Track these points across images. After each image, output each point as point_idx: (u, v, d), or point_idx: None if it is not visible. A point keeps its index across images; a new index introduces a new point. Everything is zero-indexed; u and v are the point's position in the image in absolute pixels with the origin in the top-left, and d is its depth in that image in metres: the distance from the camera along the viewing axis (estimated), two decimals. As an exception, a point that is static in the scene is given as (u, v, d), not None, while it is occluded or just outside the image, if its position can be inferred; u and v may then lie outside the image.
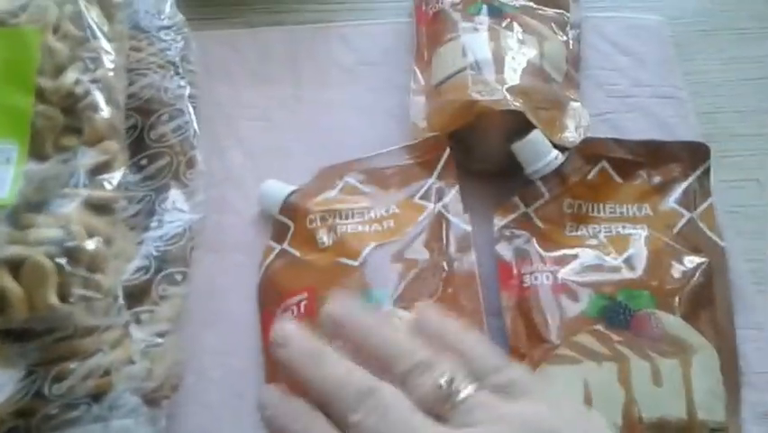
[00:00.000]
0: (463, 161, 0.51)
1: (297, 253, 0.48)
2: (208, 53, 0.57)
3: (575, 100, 0.55)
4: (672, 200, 0.49)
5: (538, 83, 0.53)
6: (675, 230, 0.48)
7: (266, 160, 0.55)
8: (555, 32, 0.57)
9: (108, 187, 0.40)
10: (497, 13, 0.56)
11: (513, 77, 0.52)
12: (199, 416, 0.45)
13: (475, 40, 0.54)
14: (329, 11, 0.64)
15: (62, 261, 0.36)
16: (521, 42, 0.54)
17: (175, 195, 0.45)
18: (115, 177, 0.41)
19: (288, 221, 0.49)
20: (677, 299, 0.44)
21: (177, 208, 0.44)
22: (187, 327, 0.46)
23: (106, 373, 0.38)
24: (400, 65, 0.59)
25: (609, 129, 0.55)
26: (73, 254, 0.37)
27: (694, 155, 0.50)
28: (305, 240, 0.48)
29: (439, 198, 0.49)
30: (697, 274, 0.46)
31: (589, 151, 0.50)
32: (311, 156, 0.54)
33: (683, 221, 0.48)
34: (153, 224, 0.43)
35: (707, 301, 0.45)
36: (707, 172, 0.50)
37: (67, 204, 0.38)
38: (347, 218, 0.48)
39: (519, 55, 0.54)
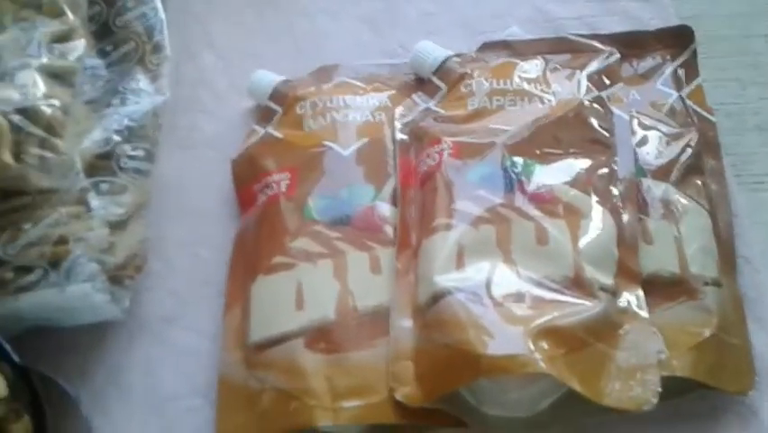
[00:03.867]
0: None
1: (281, 135, 0.47)
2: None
3: None
4: (659, 83, 0.48)
5: None
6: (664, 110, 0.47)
7: (238, 62, 0.54)
8: None
9: (68, 57, 0.40)
10: None
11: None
12: (164, 302, 0.44)
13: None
14: None
15: (16, 119, 0.36)
16: None
17: (139, 77, 0.44)
18: (75, 49, 0.40)
19: (276, 107, 0.49)
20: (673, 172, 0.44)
21: (141, 89, 0.43)
22: (155, 219, 0.45)
23: (63, 240, 0.37)
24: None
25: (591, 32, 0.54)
26: (30, 115, 0.36)
27: (678, 40, 0.50)
28: (291, 124, 0.47)
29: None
30: (686, 149, 0.45)
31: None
32: (285, 61, 0.53)
33: (671, 100, 0.48)
34: (116, 101, 0.42)
35: (696, 170, 0.45)
36: (694, 55, 0.49)
37: (25, 70, 0.38)
38: (339, 108, 0.47)
39: None
